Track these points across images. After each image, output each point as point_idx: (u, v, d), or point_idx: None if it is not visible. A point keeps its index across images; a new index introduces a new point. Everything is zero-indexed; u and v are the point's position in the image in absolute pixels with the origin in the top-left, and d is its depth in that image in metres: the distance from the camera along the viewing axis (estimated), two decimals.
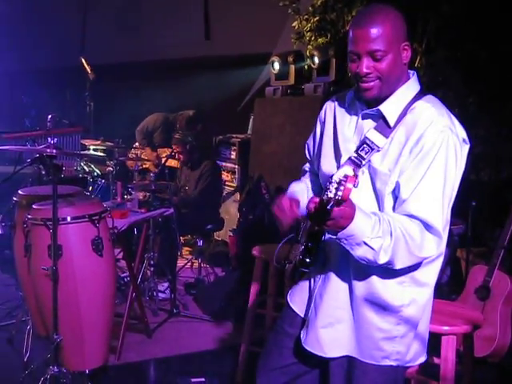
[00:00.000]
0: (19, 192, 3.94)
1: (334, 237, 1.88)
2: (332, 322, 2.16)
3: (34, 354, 3.93)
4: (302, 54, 6.11)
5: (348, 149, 2.10)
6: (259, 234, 5.32)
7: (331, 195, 1.71)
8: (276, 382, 2.34)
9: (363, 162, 2.02)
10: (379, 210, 2.03)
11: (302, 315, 2.30)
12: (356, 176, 1.76)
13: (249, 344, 3.97)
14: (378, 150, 2.00)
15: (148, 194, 5.31)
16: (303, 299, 2.31)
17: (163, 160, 6.46)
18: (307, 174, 2.51)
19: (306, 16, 6.15)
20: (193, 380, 3.83)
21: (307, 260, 2.09)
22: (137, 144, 6.95)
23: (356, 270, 2.08)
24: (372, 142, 2.01)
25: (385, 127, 2.02)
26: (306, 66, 6.10)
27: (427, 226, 1.92)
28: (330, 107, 2.28)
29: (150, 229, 5.00)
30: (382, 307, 2.08)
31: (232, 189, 6.69)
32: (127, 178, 6.07)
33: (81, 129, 5.15)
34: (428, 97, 2.05)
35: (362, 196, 2.01)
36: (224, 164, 6.82)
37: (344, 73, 5.71)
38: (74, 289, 3.37)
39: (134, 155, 6.60)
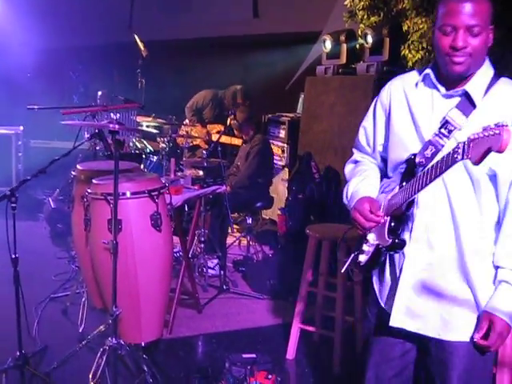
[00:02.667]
0: (77, 167, 4.00)
1: None
2: (413, 298, 2.15)
3: (88, 326, 4.02)
4: (353, 32, 6.02)
5: (429, 130, 2.08)
6: (310, 213, 5.33)
7: (465, 156, 1.73)
8: (384, 375, 2.32)
9: (445, 141, 2.02)
10: (475, 191, 2.03)
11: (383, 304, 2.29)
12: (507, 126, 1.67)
13: (300, 322, 3.99)
14: (459, 129, 1.99)
15: (199, 171, 5.33)
16: (386, 288, 2.27)
17: (215, 137, 6.51)
18: (366, 165, 2.44)
19: None
20: (244, 356, 3.85)
21: (402, 238, 2.12)
22: (186, 121, 6.98)
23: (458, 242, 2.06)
24: (453, 121, 2.01)
25: (467, 106, 2.02)
26: (357, 46, 6.02)
27: None
28: (395, 88, 2.24)
29: (201, 205, 5.04)
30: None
31: (281, 167, 6.68)
32: (177, 154, 6.11)
33: (137, 105, 5.18)
34: (504, 78, 2.07)
35: (454, 175, 1.99)
36: (273, 142, 6.82)
37: (397, 52, 5.64)
38: (132, 263, 3.42)
39: (183, 132, 6.64)
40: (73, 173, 3.96)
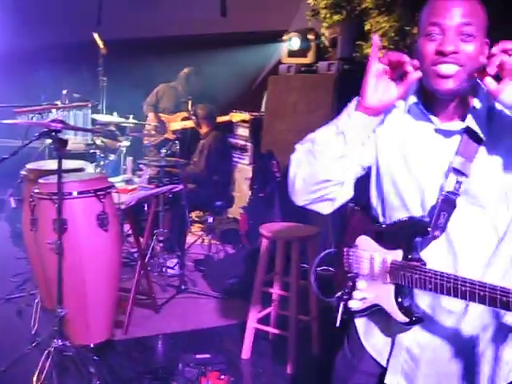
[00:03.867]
0: (27, 166, 3.96)
1: None
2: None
3: (41, 327, 3.98)
4: (315, 30, 6.03)
5: (431, 183, 1.71)
6: (270, 212, 5.32)
7: None
8: None
9: (458, 199, 1.65)
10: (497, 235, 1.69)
11: (382, 362, 1.92)
12: None
13: (255, 322, 3.97)
14: (467, 177, 1.63)
15: (161, 170, 5.31)
16: (379, 342, 1.94)
17: (180, 124, 6.52)
18: None
19: None
20: (197, 356, 3.84)
21: (416, 316, 1.75)
22: (149, 119, 6.97)
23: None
24: (459, 171, 1.63)
25: (471, 145, 1.64)
26: (321, 44, 6.02)
27: None
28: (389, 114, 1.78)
29: (159, 205, 5.01)
30: None
31: (244, 166, 6.67)
32: (141, 153, 6.08)
33: (89, 103, 5.13)
34: None
35: (478, 232, 1.69)
36: (237, 141, 6.81)
37: (351, 51, 5.64)
38: (78, 263, 3.39)
39: (146, 131, 6.62)
40: (22, 172, 3.92)
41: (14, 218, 5.86)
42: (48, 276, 3.44)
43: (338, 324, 1.85)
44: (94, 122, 5.93)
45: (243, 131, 6.76)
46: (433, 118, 1.68)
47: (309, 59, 5.92)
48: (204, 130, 6.13)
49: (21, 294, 4.61)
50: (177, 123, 6.84)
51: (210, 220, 5.77)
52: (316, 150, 1.75)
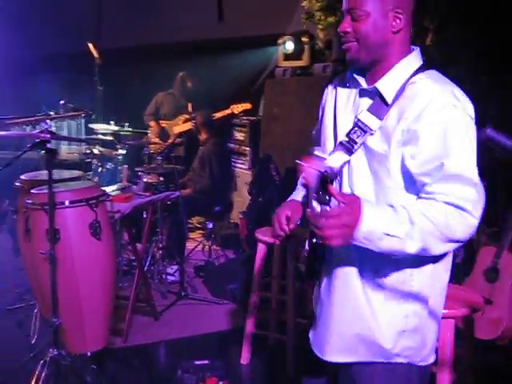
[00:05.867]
0: (21, 177, 3.97)
1: (354, 242, 1.69)
2: (336, 322, 2.01)
3: (40, 337, 3.99)
4: (310, 33, 6.04)
5: (344, 131, 1.95)
6: (268, 216, 5.30)
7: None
8: None
9: (355, 147, 1.89)
10: (376, 193, 1.88)
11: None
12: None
13: (253, 326, 3.97)
14: (372, 134, 1.86)
15: (159, 177, 5.32)
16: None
17: (181, 127, 6.56)
18: None
19: None
20: (196, 362, 3.83)
21: (314, 256, 2.01)
22: (151, 128, 6.99)
23: (356, 262, 1.94)
24: (364, 125, 1.87)
25: (381, 106, 1.88)
26: (316, 46, 6.02)
27: (452, 206, 1.74)
28: (330, 90, 2.12)
29: (157, 212, 5.02)
30: (389, 298, 1.93)
31: (244, 171, 6.67)
32: (139, 162, 6.08)
33: (82, 113, 5.15)
34: (429, 71, 1.89)
35: (360, 179, 1.91)
36: (235, 146, 6.82)
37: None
38: (72, 272, 3.39)
39: (148, 139, 6.65)
40: (17, 183, 3.93)
41: (15, 230, 5.88)
42: (42, 286, 3.44)
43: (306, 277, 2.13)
44: (91, 131, 5.95)
45: (241, 136, 6.76)
46: (360, 79, 1.95)
47: (303, 62, 5.92)
48: (203, 136, 6.15)
49: (21, 304, 4.64)
50: (179, 126, 6.86)
51: (210, 226, 5.76)
52: None
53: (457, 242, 1.76)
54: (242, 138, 6.76)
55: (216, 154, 5.94)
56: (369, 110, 1.89)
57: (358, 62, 1.90)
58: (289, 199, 2.23)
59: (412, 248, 1.71)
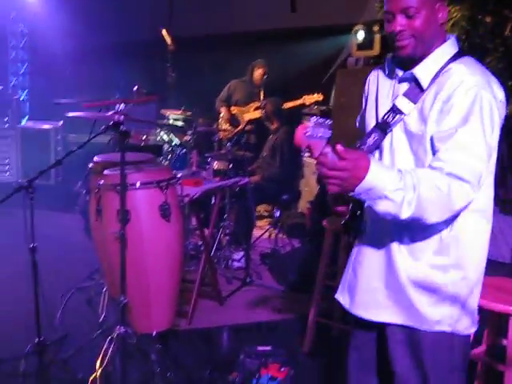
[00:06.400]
0: (94, 159, 4.07)
1: (353, 194, 1.82)
2: (373, 287, 2.15)
3: (108, 315, 4.09)
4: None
5: (382, 112, 2.12)
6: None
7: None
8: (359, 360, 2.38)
9: (388, 128, 2.06)
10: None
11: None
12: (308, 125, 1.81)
13: (316, 315, 3.95)
14: (403, 116, 2.03)
15: (228, 163, 5.35)
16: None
17: (252, 115, 6.58)
18: None
19: None
20: (259, 348, 3.85)
21: (353, 225, 2.16)
22: (222, 114, 7.06)
23: (393, 232, 2.06)
24: (398, 108, 2.03)
25: (416, 91, 2.02)
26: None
27: (455, 177, 1.84)
28: (373, 78, 2.27)
29: (225, 198, 5.06)
30: (431, 268, 2.05)
31: (312, 160, 6.64)
32: (209, 148, 6.14)
33: (155, 98, 5.22)
34: (464, 58, 2.02)
35: (401, 159, 2.04)
36: None
37: None
38: (141, 253, 3.45)
39: (219, 126, 6.71)
40: (90, 164, 4.03)
41: (87, 211, 6.05)
42: (112, 265, 3.51)
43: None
44: (162, 117, 6.04)
45: None
46: (398, 71, 2.09)
47: (375, 51, 5.84)
48: (274, 124, 6.15)
49: (91, 283, 4.76)
50: (250, 114, 6.89)
51: (278, 214, 5.77)
52: None
53: (453, 212, 1.88)
54: None
55: (287, 142, 5.94)
56: (404, 94, 2.04)
57: (413, 57, 2.01)
58: None
59: (406, 214, 1.81)
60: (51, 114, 7.93)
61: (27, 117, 9.18)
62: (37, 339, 3.35)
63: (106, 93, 8.23)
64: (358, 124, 2.47)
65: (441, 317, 2.05)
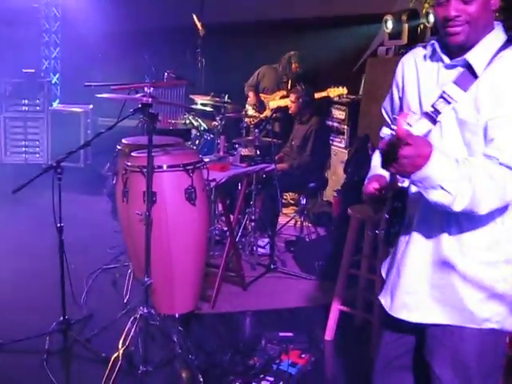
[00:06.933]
0: (122, 141, 4.10)
1: (408, 179, 1.78)
2: (416, 288, 2.07)
3: (133, 297, 4.14)
4: (417, 12, 5.86)
5: (429, 103, 2.01)
6: (361, 195, 5.24)
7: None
8: (387, 357, 2.29)
9: (439, 117, 1.95)
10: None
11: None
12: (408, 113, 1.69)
13: (340, 303, 3.95)
14: (453, 105, 1.93)
15: (256, 150, 5.35)
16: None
17: (277, 103, 6.55)
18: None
19: None
20: (280, 334, 3.87)
21: (394, 220, 2.07)
22: (249, 99, 7.06)
23: (443, 227, 1.98)
24: (449, 96, 1.93)
25: (468, 78, 1.92)
26: (421, 25, 5.84)
27: (509, 168, 1.79)
28: (408, 63, 2.17)
29: (251, 184, 5.06)
30: (480, 263, 1.97)
31: (340, 150, 6.62)
32: (237, 133, 6.14)
33: (184, 82, 5.23)
34: None
35: (452, 148, 1.94)
36: (333, 124, 6.78)
37: None
38: (166, 235, 3.48)
39: (245, 111, 6.71)
40: (118, 147, 4.06)
41: (115, 194, 6.11)
42: (137, 246, 3.55)
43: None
44: (191, 102, 6.06)
45: (340, 114, 6.70)
46: (444, 57, 2.00)
47: (403, 41, 5.79)
48: (305, 114, 6.09)
49: (116, 265, 4.83)
50: (275, 101, 6.89)
51: (304, 202, 5.76)
52: None
53: (505, 202, 1.83)
54: (341, 117, 6.70)
55: (319, 132, 5.91)
56: (455, 82, 1.94)
57: (465, 45, 1.93)
58: (370, 175, 2.26)
59: (459, 206, 1.76)
60: (82, 97, 7.99)
61: (58, 100, 9.26)
62: (61, 318, 3.43)
63: (137, 78, 8.26)
64: (384, 110, 2.39)
65: (490, 314, 1.99)
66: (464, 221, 1.93)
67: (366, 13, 7.37)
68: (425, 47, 2.12)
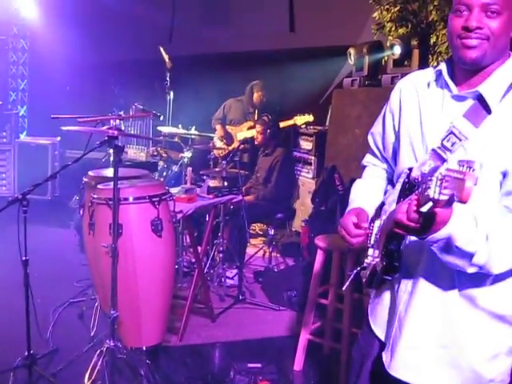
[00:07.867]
0: (88, 173, 4.10)
1: (419, 239, 1.63)
2: (420, 344, 1.88)
3: (99, 330, 4.10)
4: (380, 44, 5.99)
5: (436, 139, 1.81)
6: (330, 225, 5.29)
7: (435, 195, 1.38)
8: None
9: (448, 155, 1.74)
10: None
11: (383, 338, 2.04)
12: (473, 171, 1.34)
13: (308, 333, 3.95)
14: (463, 142, 1.74)
15: (223, 181, 5.38)
16: (384, 318, 2.04)
17: (244, 134, 6.64)
18: (373, 170, 2.27)
19: (387, 6, 6.05)
20: (249, 365, 3.85)
21: (395, 264, 1.87)
22: (217, 132, 7.11)
23: (454, 283, 1.81)
24: (459, 132, 1.74)
25: (480, 112, 1.74)
26: (386, 57, 5.98)
27: None
28: (406, 90, 1.98)
29: (219, 215, 5.08)
30: (490, 319, 1.83)
31: (308, 180, 6.68)
32: (204, 165, 6.17)
33: (150, 114, 5.26)
34: None
35: None
36: (301, 155, 6.85)
37: (426, 64, 5.58)
38: (132, 267, 3.46)
39: (213, 144, 6.75)
40: (84, 179, 4.06)
41: (82, 227, 6.07)
42: (103, 279, 3.53)
43: (344, 287, 2.19)
44: (159, 133, 6.09)
45: (307, 145, 6.78)
46: (452, 85, 1.83)
47: (364, 72, 5.92)
48: (270, 144, 6.18)
49: (83, 298, 4.78)
50: (243, 133, 6.95)
51: (272, 232, 5.79)
52: None
53: None
54: (308, 147, 6.77)
55: (284, 162, 5.98)
56: (465, 116, 1.76)
57: (480, 62, 1.76)
58: (349, 208, 2.11)
59: (473, 269, 1.66)
60: (49, 129, 7.97)
61: (25, 132, 9.23)
62: (26, 352, 3.37)
63: (105, 110, 8.27)
64: (372, 139, 2.24)
65: (495, 374, 1.85)
66: (479, 278, 1.76)
67: (332, 45, 7.52)
68: (425, 72, 1.97)
